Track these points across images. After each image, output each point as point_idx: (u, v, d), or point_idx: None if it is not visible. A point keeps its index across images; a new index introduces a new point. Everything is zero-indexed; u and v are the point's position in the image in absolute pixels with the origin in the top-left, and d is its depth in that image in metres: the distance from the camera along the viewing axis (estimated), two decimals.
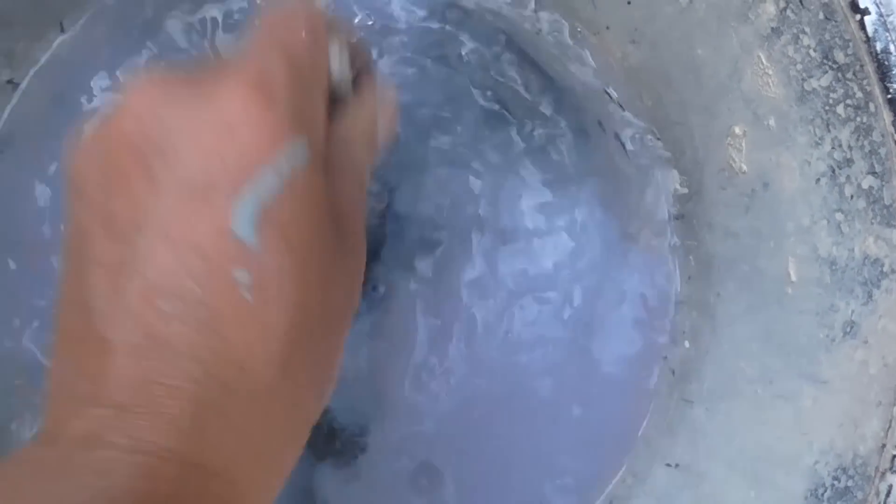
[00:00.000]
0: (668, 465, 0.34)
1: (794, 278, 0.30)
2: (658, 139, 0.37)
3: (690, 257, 0.36)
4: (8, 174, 0.35)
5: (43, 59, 0.36)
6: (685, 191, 0.36)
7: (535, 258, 0.36)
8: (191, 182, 0.18)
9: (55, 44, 0.36)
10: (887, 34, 0.25)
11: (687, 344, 0.36)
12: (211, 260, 0.18)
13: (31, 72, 0.36)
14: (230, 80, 0.19)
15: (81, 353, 0.18)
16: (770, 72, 0.29)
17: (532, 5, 0.37)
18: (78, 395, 0.18)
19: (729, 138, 0.32)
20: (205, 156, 0.18)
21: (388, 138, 0.25)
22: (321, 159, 0.20)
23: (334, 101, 0.23)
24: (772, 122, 0.30)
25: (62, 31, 0.36)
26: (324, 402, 0.22)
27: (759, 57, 0.29)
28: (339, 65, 0.22)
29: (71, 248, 0.20)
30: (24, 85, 0.36)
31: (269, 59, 0.20)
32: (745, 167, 0.32)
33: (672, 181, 0.37)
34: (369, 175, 0.24)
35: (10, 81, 0.36)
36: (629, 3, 0.34)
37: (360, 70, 0.24)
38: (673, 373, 0.36)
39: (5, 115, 0.36)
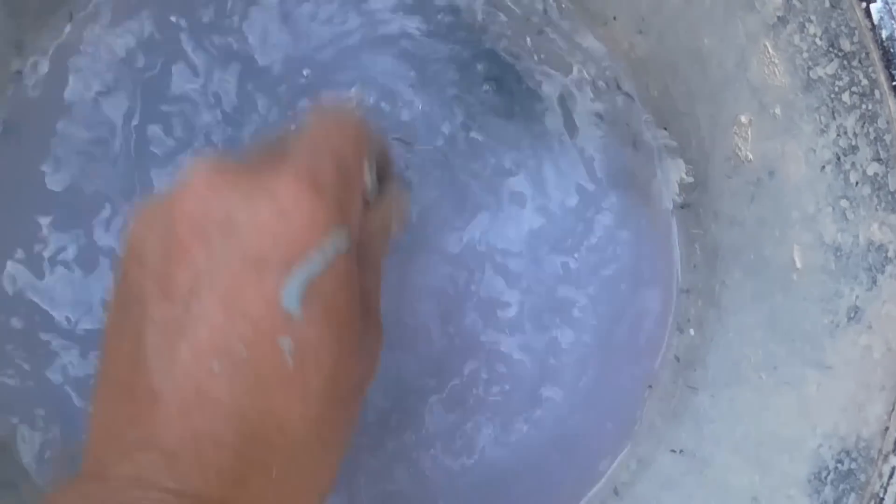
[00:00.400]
0: (673, 450, 0.34)
1: (799, 265, 0.30)
2: (665, 129, 0.37)
3: (696, 246, 0.37)
4: (15, 161, 0.35)
5: (52, 48, 0.37)
6: (691, 180, 0.36)
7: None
8: (246, 256, 0.20)
9: (63, 33, 0.37)
10: (893, 22, 0.25)
11: (692, 332, 0.36)
12: (260, 327, 0.20)
13: (41, 60, 0.37)
14: (287, 173, 0.21)
15: (131, 402, 0.20)
16: (776, 60, 0.29)
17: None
18: (128, 440, 0.19)
19: (735, 127, 0.32)
20: (260, 235, 0.20)
21: (399, 233, 0.28)
22: (356, 248, 0.23)
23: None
24: (777, 110, 0.30)
25: (71, 20, 0.37)
26: (340, 465, 0.24)
27: (765, 46, 0.30)
28: (370, 180, 0.25)
29: (122, 306, 0.21)
30: (32, 74, 0.36)
31: (320, 158, 0.22)
32: (750, 156, 0.32)
33: (679, 170, 0.37)
34: (384, 264, 0.27)
35: (18, 72, 0.36)
36: None
37: (384, 174, 0.28)
38: (678, 360, 0.36)
39: (13, 103, 0.36)
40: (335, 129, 0.25)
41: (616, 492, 0.36)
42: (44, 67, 0.36)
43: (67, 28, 0.36)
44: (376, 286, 0.26)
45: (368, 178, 0.25)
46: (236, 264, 0.20)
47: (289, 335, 0.20)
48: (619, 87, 0.37)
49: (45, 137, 0.35)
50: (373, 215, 0.26)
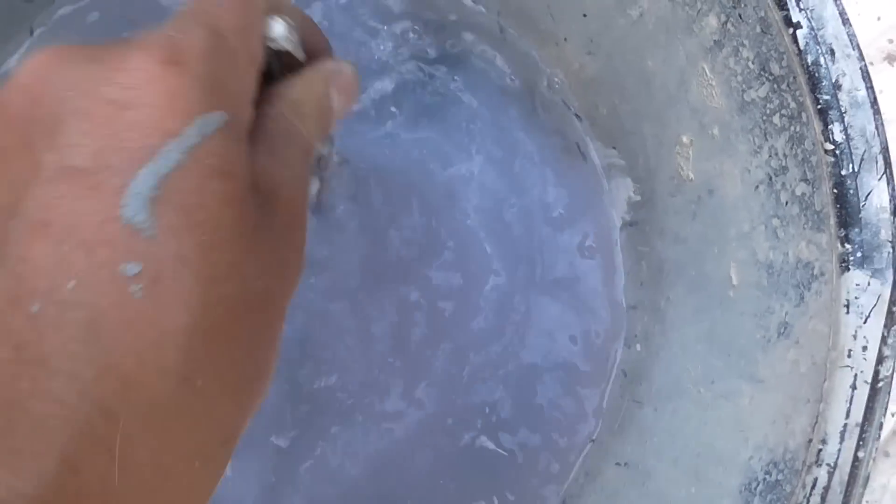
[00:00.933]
0: (618, 463, 0.35)
1: (735, 282, 0.31)
2: (614, 147, 0.38)
3: (643, 263, 0.37)
4: None
5: (12, 63, 0.37)
6: (639, 198, 0.37)
7: None
8: (76, 163, 0.15)
9: (24, 48, 0.37)
10: (818, 47, 0.26)
11: (639, 347, 0.37)
12: (94, 251, 0.15)
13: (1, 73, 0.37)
14: (136, 51, 0.16)
15: None
16: (713, 83, 0.30)
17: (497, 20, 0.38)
18: None
19: (678, 147, 0.33)
20: (95, 134, 0.16)
21: (344, 112, 0.23)
22: (244, 135, 0.18)
23: (279, 72, 0.21)
24: (716, 131, 0.31)
25: (31, 34, 0.37)
26: (251, 409, 0.18)
27: (703, 68, 0.30)
28: (285, 35, 0.21)
29: None
30: None
31: (185, 29, 0.17)
32: (692, 175, 0.33)
33: (627, 189, 0.38)
34: (321, 147, 0.22)
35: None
36: (585, 15, 0.36)
37: (314, 48, 0.23)
38: (625, 374, 0.37)
39: None
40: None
41: (564, 503, 0.37)
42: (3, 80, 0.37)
43: (27, 43, 0.37)
44: (299, 176, 0.20)
45: (279, 26, 0.20)
46: (63, 172, 0.15)
47: (135, 257, 0.15)
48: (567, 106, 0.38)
49: None
50: (296, 86, 0.21)
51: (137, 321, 0.15)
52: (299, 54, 0.21)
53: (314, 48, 0.23)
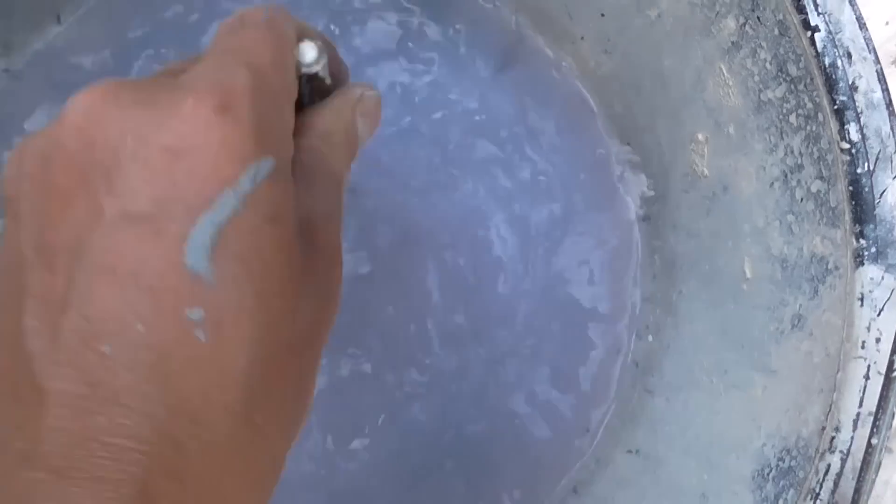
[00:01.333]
0: (629, 451, 0.36)
1: (749, 276, 0.32)
2: (628, 144, 0.39)
3: (656, 257, 0.38)
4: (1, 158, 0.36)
5: (40, 49, 0.38)
6: (652, 193, 0.38)
7: None
8: (138, 209, 0.16)
9: (52, 35, 0.38)
10: (835, 50, 0.27)
11: (650, 338, 0.38)
12: (160, 296, 0.16)
13: (27, 61, 0.38)
14: (185, 96, 0.17)
15: (16, 401, 0.16)
16: (730, 83, 0.31)
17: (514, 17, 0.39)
18: (13, 453, 0.16)
19: (692, 144, 0.34)
20: (154, 181, 0.16)
21: (368, 137, 0.23)
22: (288, 171, 0.18)
23: (308, 103, 0.21)
24: (731, 129, 0.32)
25: (59, 22, 0.38)
26: (294, 437, 0.20)
27: (720, 68, 0.31)
28: (317, 60, 0.21)
29: (4, 276, 0.17)
30: (18, 73, 0.37)
31: (227, 69, 0.18)
32: (706, 171, 0.34)
33: (640, 184, 0.39)
34: (347, 179, 0.22)
35: (6, 70, 0.37)
36: (603, 15, 0.36)
37: (335, 71, 0.23)
38: (637, 365, 0.38)
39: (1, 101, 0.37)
40: (245, 27, 0.19)
41: (575, 490, 0.38)
42: (30, 67, 0.37)
43: (55, 30, 0.37)
44: (334, 211, 0.20)
45: (310, 50, 0.20)
46: (125, 218, 0.16)
47: (198, 303, 0.16)
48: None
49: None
50: (325, 117, 0.21)
51: (202, 363, 0.16)
52: (328, 78, 0.22)
53: (336, 72, 0.23)
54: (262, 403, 0.17)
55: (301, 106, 0.21)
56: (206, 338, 0.16)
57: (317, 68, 0.21)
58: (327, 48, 0.22)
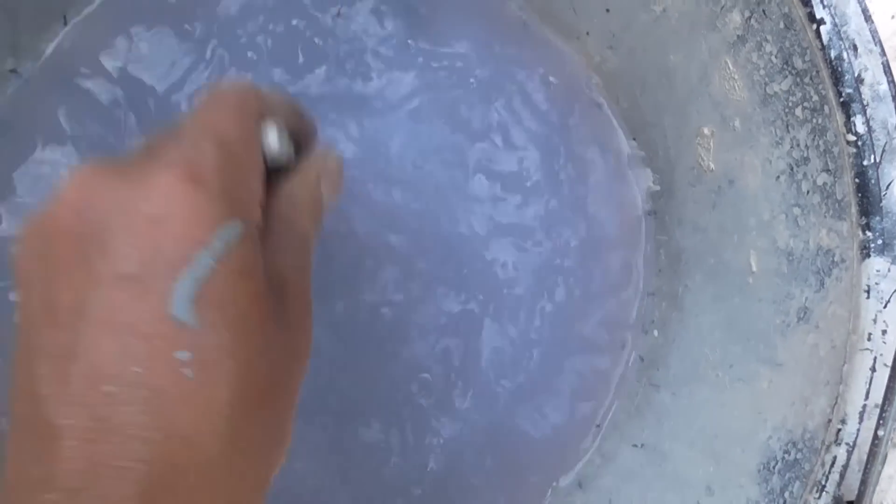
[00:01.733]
0: (635, 445, 0.36)
1: (755, 269, 0.32)
2: (634, 139, 0.39)
3: (661, 251, 0.38)
4: (8, 156, 0.37)
5: (47, 51, 0.38)
6: (658, 188, 0.38)
7: None
8: (128, 271, 0.19)
9: (59, 35, 0.38)
10: (841, 42, 0.27)
11: (656, 333, 0.38)
12: (151, 343, 0.19)
13: (34, 62, 0.38)
14: (160, 171, 0.20)
15: (33, 438, 0.19)
16: (736, 76, 0.31)
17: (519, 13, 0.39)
18: (32, 481, 0.18)
19: (698, 138, 0.34)
20: (139, 245, 0.19)
21: (331, 202, 0.25)
22: (257, 236, 0.21)
23: (276, 175, 0.23)
24: (737, 123, 0.32)
25: (65, 24, 0.38)
26: (275, 469, 0.22)
27: (726, 62, 0.31)
28: (277, 143, 0.23)
29: (20, 336, 0.20)
30: (26, 74, 0.37)
31: (197, 145, 0.21)
32: (712, 165, 0.34)
33: (647, 179, 0.39)
34: (315, 241, 0.24)
35: (13, 70, 0.37)
36: (608, 10, 0.36)
37: (302, 137, 0.25)
38: (642, 360, 0.38)
39: (7, 101, 0.37)
40: (214, 106, 0.22)
41: (580, 485, 0.38)
42: (37, 68, 0.38)
43: (62, 31, 0.37)
44: (303, 266, 0.23)
45: (273, 139, 0.23)
46: (117, 279, 0.19)
47: (185, 346, 0.19)
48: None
49: (38, 133, 0.37)
50: (292, 191, 0.24)
51: (191, 396, 0.19)
52: (291, 155, 0.24)
53: (304, 131, 0.26)
54: (245, 429, 0.20)
55: (268, 171, 0.23)
56: (193, 375, 0.19)
57: (278, 156, 0.23)
58: (293, 110, 0.25)
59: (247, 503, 0.21)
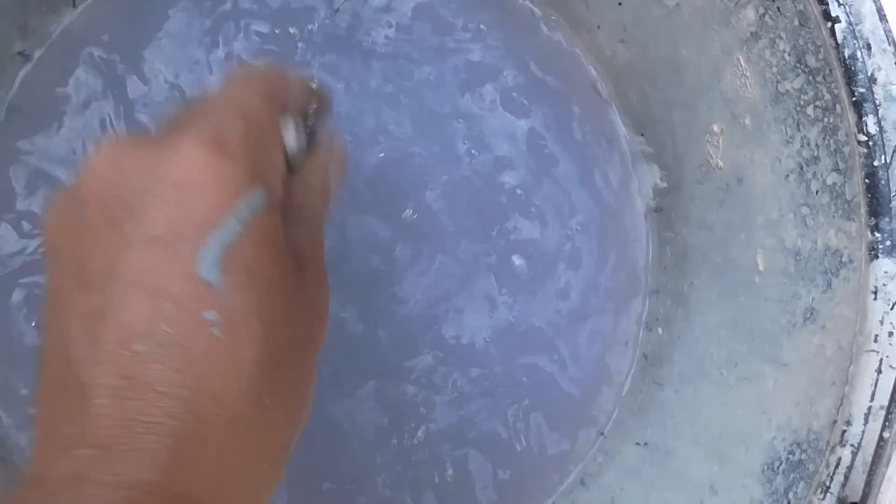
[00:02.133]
0: (638, 443, 0.36)
1: (761, 268, 0.32)
2: (642, 135, 0.39)
3: (667, 248, 0.38)
4: (18, 137, 0.36)
5: (55, 33, 0.38)
6: (665, 185, 0.38)
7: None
8: (157, 234, 0.20)
9: (68, 18, 0.38)
10: (855, 41, 0.27)
11: (660, 331, 0.38)
12: (181, 303, 0.19)
13: (43, 44, 0.38)
14: (189, 139, 0.20)
15: (64, 398, 0.20)
16: (748, 73, 0.31)
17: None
18: (63, 438, 0.19)
19: (707, 135, 0.34)
20: (169, 210, 0.20)
21: (337, 188, 0.27)
22: (279, 206, 0.22)
23: (291, 161, 0.25)
24: (747, 120, 0.32)
25: (74, 6, 0.38)
26: (299, 427, 0.23)
27: (738, 59, 0.31)
28: (294, 139, 0.24)
29: (49, 303, 0.21)
30: (35, 56, 0.37)
31: (224, 118, 0.22)
32: (721, 163, 0.34)
33: (654, 175, 0.39)
34: (325, 218, 0.26)
35: (21, 53, 0.37)
36: (620, 4, 0.36)
37: (317, 126, 0.27)
38: (646, 357, 0.38)
39: (17, 83, 0.37)
40: (243, 85, 0.24)
41: (583, 482, 0.38)
42: (46, 50, 0.37)
43: (71, 13, 0.37)
44: (316, 240, 0.25)
45: (291, 135, 0.24)
46: (147, 242, 0.20)
47: (213, 307, 0.20)
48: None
49: (47, 115, 0.37)
50: (307, 172, 0.25)
51: (219, 355, 0.20)
52: (302, 155, 0.25)
53: (320, 110, 0.28)
54: (269, 389, 0.21)
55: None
56: (221, 334, 0.20)
57: (296, 148, 0.24)
58: (311, 96, 0.27)
59: (271, 458, 0.22)
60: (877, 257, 0.26)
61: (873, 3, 0.27)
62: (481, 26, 0.39)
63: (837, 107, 0.27)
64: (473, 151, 0.38)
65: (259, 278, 0.20)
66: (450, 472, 0.37)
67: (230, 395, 0.20)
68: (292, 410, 0.23)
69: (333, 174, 0.27)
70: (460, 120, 0.38)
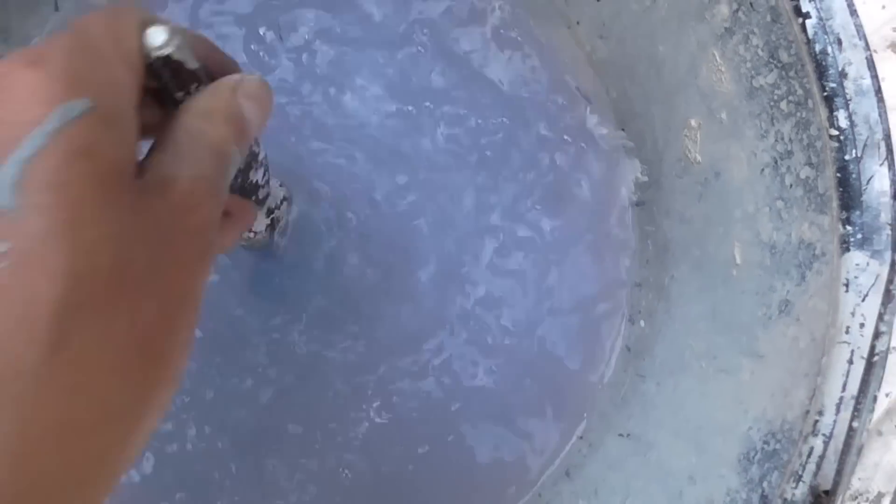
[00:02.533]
0: (621, 434, 0.36)
1: (738, 261, 0.32)
2: (622, 130, 0.39)
3: (649, 242, 0.39)
4: None
5: (37, 37, 0.38)
6: (646, 179, 0.38)
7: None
8: None
9: (50, 22, 0.38)
10: (826, 37, 0.27)
11: (643, 323, 0.38)
12: None
13: (24, 48, 0.38)
14: (4, 60, 0.18)
15: None
16: (723, 69, 0.31)
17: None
18: None
19: (685, 130, 0.34)
20: None
21: (260, 121, 0.24)
22: (116, 116, 0.19)
23: (179, 90, 0.23)
24: (724, 115, 0.32)
25: (56, 9, 0.38)
26: (152, 398, 0.19)
27: (713, 54, 0.31)
28: (165, 37, 0.21)
29: None
30: None
31: (53, 38, 0.19)
32: (699, 157, 0.34)
33: (635, 170, 0.39)
34: (238, 157, 0.23)
35: (2, 57, 0.37)
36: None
37: (219, 66, 0.24)
38: (629, 350, 0.38)
39: None
40: (89, 15, 0.21)
41: (567, 473, 0.38)
42: None
43: (53, 17, 0.38)
44: (208, 177, 0.21)
45: (160, 39, 0.21)
46: None
47: (3, 235, 0.16)
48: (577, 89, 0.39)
49: None
50: (199, 99, 0.22)
51: (5, 295, 0.16)
52: (190, 62, 0.22)
53: (220, 67, 0.24)
54: (78, 336, 0.17)
55: (171, 92, 0.22)
56: (11, 268, 0.16)
57: (168, 49, 0.21)
58: (204, 44, 0.24)
59: (98, 433, 0.18)
60: (848, 250, 0.27)
61: None
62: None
63: (809, 101, 0.28)
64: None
65: (67, 197, 0.17)
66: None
67: (15, 346, 0.16)
68: (130, 369, 0.18)
69: (249, 104, 0.23)
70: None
